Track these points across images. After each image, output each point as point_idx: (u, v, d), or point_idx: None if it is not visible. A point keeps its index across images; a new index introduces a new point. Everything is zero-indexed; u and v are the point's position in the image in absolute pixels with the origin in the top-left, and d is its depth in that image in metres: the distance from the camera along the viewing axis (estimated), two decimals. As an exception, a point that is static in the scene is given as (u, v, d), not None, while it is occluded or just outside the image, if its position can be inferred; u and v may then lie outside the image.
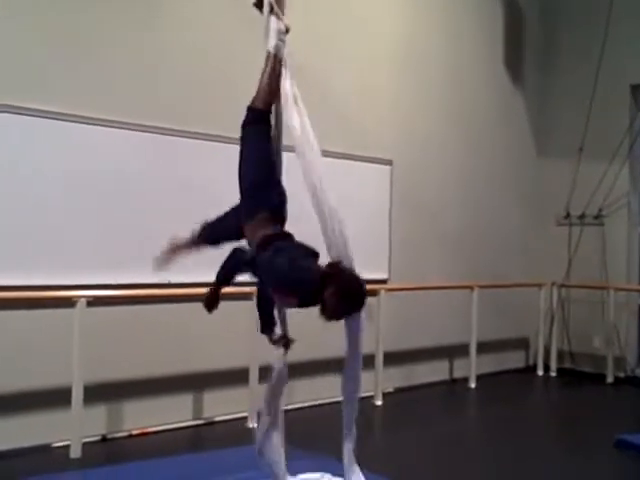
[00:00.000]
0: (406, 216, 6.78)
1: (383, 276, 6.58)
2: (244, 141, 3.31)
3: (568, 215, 8.16)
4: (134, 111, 4.99)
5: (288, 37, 3.38)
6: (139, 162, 5.02)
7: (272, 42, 3.34)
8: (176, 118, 5.19)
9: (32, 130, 4.54)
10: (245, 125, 3.31)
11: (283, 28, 3.39)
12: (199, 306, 5.14)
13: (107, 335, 4.83)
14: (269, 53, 3.34)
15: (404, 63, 6.93)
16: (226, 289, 4.67)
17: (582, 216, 8.03)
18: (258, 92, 3.33)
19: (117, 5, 4.97)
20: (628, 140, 7.74)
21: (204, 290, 4.92)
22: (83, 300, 4.48)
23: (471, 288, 7.08)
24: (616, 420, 5.92)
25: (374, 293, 6.18)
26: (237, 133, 5.53)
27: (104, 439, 4.82)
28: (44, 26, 4.66)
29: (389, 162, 6.69)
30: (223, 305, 4.86)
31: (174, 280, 5.02)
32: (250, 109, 3.32)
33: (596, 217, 7.93)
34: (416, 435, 5.28)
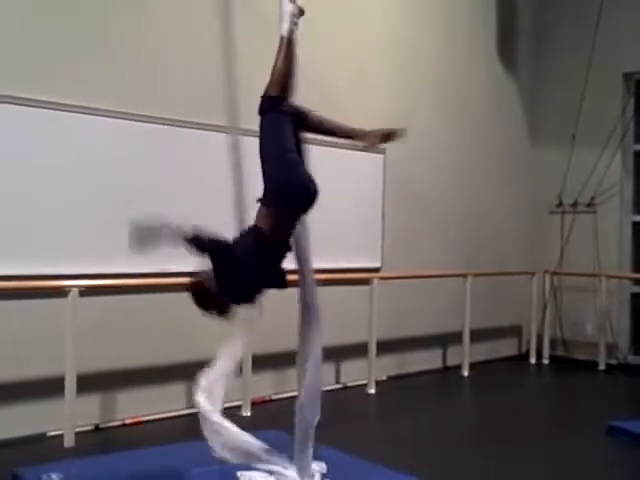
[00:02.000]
0: (399, 205, 6.78)
1: (376, 265, 6.58)
2: (261, 131, 3.18)
3: (561, 203, 8.17)
4: (130, 101, 4.96)
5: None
6: (132, 152, 4.99)
7: (285, 26, 3.23)
8: (172, 108, 5.16)
9: (25, 120, 4.51)
10: (260, 113, 3.20)
11: (297, 11, 3.30)
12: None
13: (100, 324, 4.82)
14: (282, 37, 3.23)
15: (398, 52, 6.91)
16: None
17: (575, 204, 8.04)
18: (272, 78, 3.20)
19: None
20: (620, 128, 7.75)
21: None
22: (75, 290, 4.47)
23: (464, 276, 7.09)
24: (608, 407, 5.95)
25: (367, 282, 6.19)
26: (234, 123, 5.52)
27: (97, 428, 4.83)
28: (42, 18, 4.62)
29: (382, 151, 6.67)
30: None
31: (167, 269, 5.01)
32: (264, 98, 3.20)
33: (589, 205, 7.95)
34: (410, 423, 5.29)
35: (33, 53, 4.56)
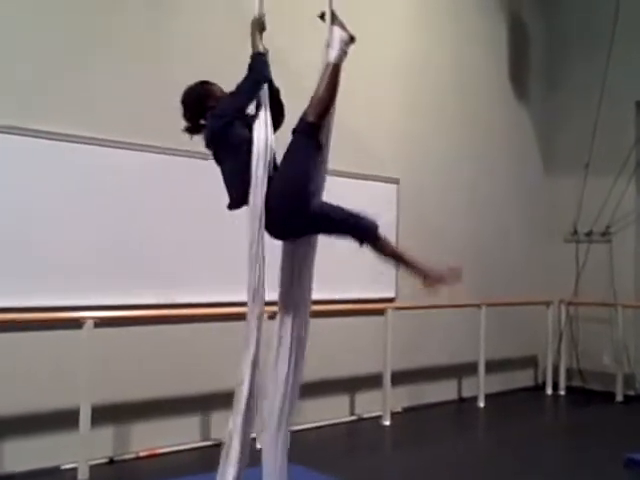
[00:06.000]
0: (413, 234, 6.75)
1: (390, 295, 6.56)
2: (289, 151, 3.12)
3: (575, 232, 8.14)
4: (138, 131, 5.00)
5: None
6: (145, 182, 5.03)
7: (334, 53, 3.20)
8: (182, 138, 5.19)
9: (35, 150, 4.55)
10: (293, 132, 3.13)
11: (347, 38, 3.27)
12: (205, 326, 5.18)
13: (114, 356, 4.82)
14: (329, 64, 3.18)
15: (411, 82, 6.95)
16: (230, 310, 4.60)
17: (589, 233, 8.01)
18: (313, 104, 3.12)
19: (115, 21, 5.02)
20: (634, 156, 7.73)
21: (210, 311, 4.90)
22: (90, 321, 4.48)
23: (479, 306, 7.06)
24: (626, 439, 5.86)
25: (381, 312, 6.17)
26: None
27: (111, 461, 4.80)
28: (36, 44, 4.69)
29: (396, 181, 6.70)
30: (229, 325, 4.88)
31: (180, 301, 5.02)
32: (302, 121, 3.13)
33: (603, 234, 7.91)
34: (425, 455, 5.24)
35: (36, 83, 4.61)
